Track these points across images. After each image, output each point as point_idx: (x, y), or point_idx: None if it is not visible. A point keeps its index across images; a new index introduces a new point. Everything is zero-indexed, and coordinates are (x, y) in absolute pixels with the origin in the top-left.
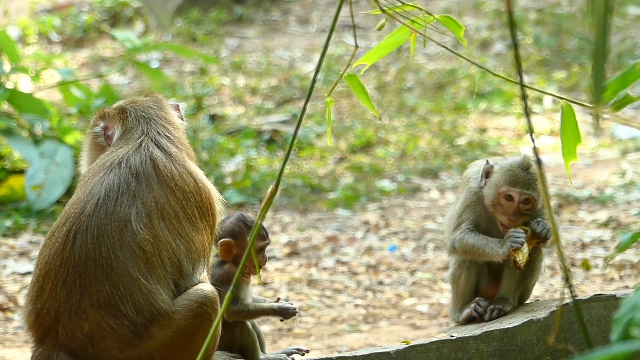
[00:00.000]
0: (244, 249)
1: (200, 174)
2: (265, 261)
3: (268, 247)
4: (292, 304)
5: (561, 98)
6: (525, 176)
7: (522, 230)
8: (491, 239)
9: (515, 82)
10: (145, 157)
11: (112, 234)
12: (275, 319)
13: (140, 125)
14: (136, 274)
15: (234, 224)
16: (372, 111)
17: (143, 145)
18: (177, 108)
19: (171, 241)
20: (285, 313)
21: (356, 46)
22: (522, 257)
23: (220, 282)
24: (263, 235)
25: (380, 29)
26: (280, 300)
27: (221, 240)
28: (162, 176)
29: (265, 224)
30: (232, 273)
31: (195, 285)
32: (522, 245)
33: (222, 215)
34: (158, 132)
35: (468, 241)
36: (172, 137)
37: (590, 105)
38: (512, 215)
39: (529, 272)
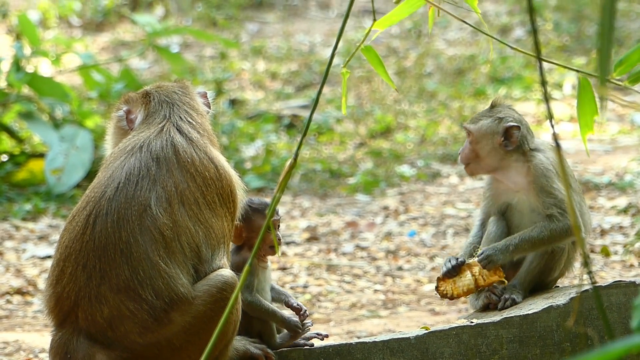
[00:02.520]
0: (252, 231)
1: (222, 160)
2: (280, 240)
3: (287, 232)
4: (306, 323)
5: (579, 71)
6: (479, 112)
7: (456, 261)
8: (467, 244)
9: (534, 56)
10: (166, 142)
11: (132, 218)
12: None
13: (163, 109)
14: (156, 259)
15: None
16: (389, 83)
17: (165, 129)
18: (204, 95)
19: (190, 227)
20: (292, 329)
21: (374, 20)
22: (450, 289)
23: (237, 269)
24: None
25: (398, 1)
26: (306, 325)
27: None
28: (182, 161)
29: (284, 208)
30: (248, 259)
31: (214, 271)
32: (446, 275)
33: (243, 202)
34: (180, 117)
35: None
36: (194, 123)
37: (604, 78)
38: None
39: (547, 271)
